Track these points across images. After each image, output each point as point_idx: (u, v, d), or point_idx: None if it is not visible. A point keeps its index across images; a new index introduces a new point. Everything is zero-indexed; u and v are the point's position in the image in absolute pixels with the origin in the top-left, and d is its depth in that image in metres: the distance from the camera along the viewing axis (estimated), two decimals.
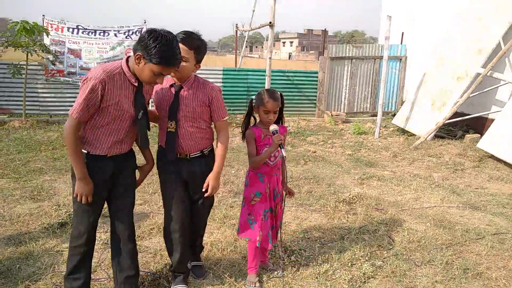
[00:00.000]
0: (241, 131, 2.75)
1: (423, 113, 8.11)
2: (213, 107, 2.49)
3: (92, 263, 2.53)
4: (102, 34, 8.97)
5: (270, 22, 6.80)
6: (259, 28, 7.52)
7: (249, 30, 8.94)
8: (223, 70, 9.67)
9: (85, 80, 2.09)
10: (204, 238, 3.45)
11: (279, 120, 2.71)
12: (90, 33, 8.92)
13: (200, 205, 2.66)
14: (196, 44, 2.37)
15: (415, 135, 7.98)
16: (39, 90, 8.70)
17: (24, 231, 3.51)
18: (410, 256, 3.29)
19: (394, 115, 9.38)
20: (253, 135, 2.59)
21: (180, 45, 2.24)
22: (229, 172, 5.41)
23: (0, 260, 2.99)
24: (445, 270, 3.08)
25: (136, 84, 2.21)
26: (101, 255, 3.12)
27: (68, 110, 9.22)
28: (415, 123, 8.18)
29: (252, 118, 2.74)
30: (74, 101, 7.92)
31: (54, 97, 8.84)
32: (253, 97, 2.65)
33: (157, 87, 2.49)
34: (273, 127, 2.54)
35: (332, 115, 9.91)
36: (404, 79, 10.65)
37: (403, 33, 10.97)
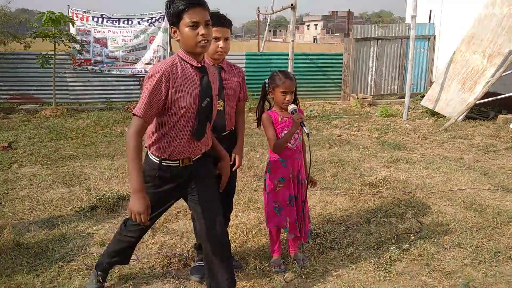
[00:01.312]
0: (256, 117, 2.71)
1: (453, 93, 7.85)
2: (242, 87, 2.61)
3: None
4: (126, 22, 9.06)
5: (292, 4, 6.70)
6: (281, 10, 7.42)
7: (271, 14, 8.84)
8: (246, 55, 9.63)
9: (147, 77, 1.94)
10: (230, 221, 3.49)
11: (294, 102, 2.65)
12: (114, 22, 9.03)
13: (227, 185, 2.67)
14: (230, 21, 2.44)
15: (445, 116, 7.75)
16: (68, 79, 8.91)
17: (57, 215, 3.65)
18: (439, 239, 3.22)
19: (423, 96, 9.12)
20: (270, 118, 2.56)
21: (219, 28, 2.32)
22: (254, 157, 5.42)
23: (35, 242, 3.11)
24: (475, 253, 3.00)
25: (199, 65, 2.03)
26: None
27: (96, 98, 9.42)
28: (445, 104, 7.93)
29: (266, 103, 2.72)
30: (102, 89, 8.07)
31: (83, 86, 9.04)
32: (266, 80, 2.62)
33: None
34: (292, 106, 2.51)
35: (358, 98, 9.73)
36: (433, 59, 10.32)
37: (431, 11, 10.60)
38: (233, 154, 2.66)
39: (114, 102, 9.04)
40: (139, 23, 9.10)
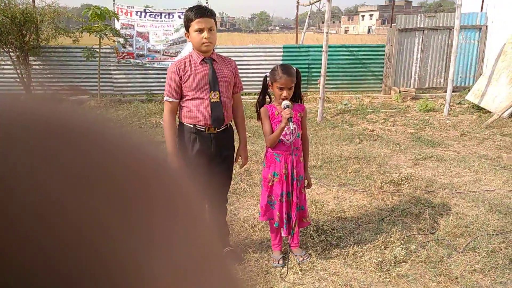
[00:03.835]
0: (255, 110, 2.72)
1: (500, 88, 7.35)
2: (236, 78, 2.64)
3: None
4: (167, 16, 9.31)
5: None
6: (317, 2, 7.29)
7: (308, 5, 8.70)
8: (283, 47, 9.56)
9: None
10: (239, 213, 3.54)
11: (297, 98, 2.62)
12: (156, 16, 9.31)
13: (221, 179, 2.72)
14: (212, 11, 2.53)
15: (490, 112, 7.27)
16: (112, 72, 9.33)
17: None
18: (453, 241, 3.07)
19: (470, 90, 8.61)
20: (267, 112, 2.56)
21: (201, 19, 2.44)
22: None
23: None
24: (489, 258, 2.83)
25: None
26: None
27: (138, 90, 9.81)
28: (491, 99, 7.44)
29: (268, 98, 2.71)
30: (143, 82, 8.51)
31: (125, 78, 9.43)
32: (267, 73, 2.61)
33: (190, 69, 2.53)
34: (285, 102, 2.48)
35: (400, 92, 9.36)
36: (484, 50, 9.68)
37: (483, 0, 9.91)
38: (237, 153, 2.71)
39: (155, 94, 9.36)
40: (179, 17, 9.31)
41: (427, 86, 10.01)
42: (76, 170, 0.16)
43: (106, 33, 8.28)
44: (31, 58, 8.91)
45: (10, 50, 8.52)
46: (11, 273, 0.14)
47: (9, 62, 8.59)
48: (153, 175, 0.20)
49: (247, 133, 5.56)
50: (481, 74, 9.59)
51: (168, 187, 0.20)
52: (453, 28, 9.43)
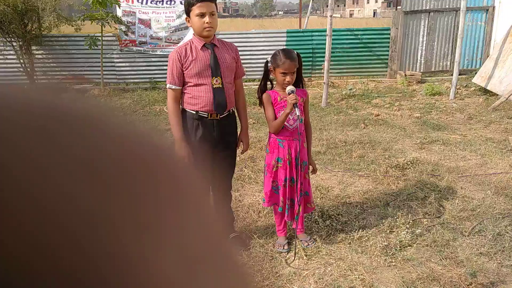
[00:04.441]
0: (257, 96, 2.69)
1: (507, 70, 7.23)
2: (238, 63, 2.61)
3: None
4: (168, 3, 9.22)
5: None
6: None
7: None
8: (287, 32, 9.45)
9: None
10: (244, 200, 3.54)
11: (299, 83, 2.60)
12: (158, 3, 9.21)
13: (224, 165, 2.71)
14: None
15: (497, 95, 7.18)
16: (115, 60, 9.29)
17: None
18: (459, 225, 3.06)
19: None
20: (269, 98, 2.53)
21: (203, 3, 2.41)
22: None
23: None
24: (495, 241, 2.82)
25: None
26: None
27: (141, 78, 9.82)
28: (498, 82, 7.34)
29: (269, 83, 2.68)
30: (146, 69, 8.55)
31: (128, 66, 9.39)
32: (268, 58, 2.57)
33: (191, 55, 2.50)
34: (290, 87, 2.45)
35: (405, 75, 9.26)
36: (491, 32, 9.51)
37: None
38: (239, 139, 2.72)
39: (158, 82, 9.32)
40: (181, 3, 9.20)
41: (433, 69, 9.88)
42: (79, 156, 0.15)
43: (108, 20, 8.21)
44: (33, 48, 8.88)
45: (12, 39, 8.50)
46: (9, 269, 0.13)
47: (11, 52, 8.58)
48: (159, 163, 0.19)
49: (251, 119, 5.55)
50: (488, 56, 9.46)
51: (175, 176, 0.20)
52: (460, 10, 9.28)
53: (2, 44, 8.59)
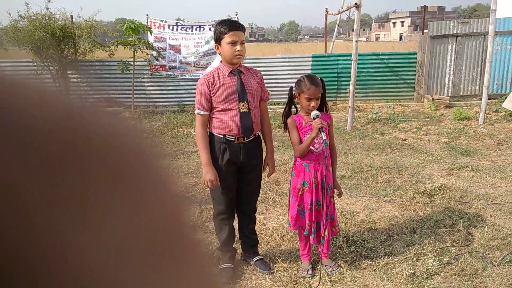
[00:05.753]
0: (282, 121, 2.75)
1: None
2: (262, 88, 2.71)
3: None
4: (198, 29, 9.53)
5: (356, 3, 6.54)
6: (346, 10, 7.29)
7: (337, 13, 8.69)
8: (312, 57, 9.57)
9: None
10: (268, 223, 3.56)
11: (323, 107, 2.65)
12: (187, 29, 9.54)
13: (250, 188, 2.76)
14: (243, 26, 2.63)
15: None
16: (146, 84, 9.62)
17: None
18: (488, 254, 2.98)
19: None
20: (294, 122, 2.59)
21: (235, 32, 2.53)
22: None
23: None
24: None
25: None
26: None
27: (170, 101, 10.13)
28: None
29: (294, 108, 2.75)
30: (175, 93, 8.88)
31: (158, 90, 9.69)
32: (293, 85, 2.64)
33: (219, 82, 2.59)
34: (315, 112, 2.51)
35: (433, 100, 9.16)
36: None
37: None
38: (264, 162, 2.77)
39: (186, 105, 9.56)
40: (210, 29, 9.51)
41: (461, 93, 9.75)
42: None
43: (140, 46, 8.55)
44: (69, 72, 9.32)
45: (49, 64, 8.96)
46: None
47: (48, 76, 9.02)
48: (87, 143, 0.18)
49: (275, 142, 5.60)
50: None
51: (108, 158, 0.19)
52: (488, 34, 9.20)
53: (39, 68, 9.05)
